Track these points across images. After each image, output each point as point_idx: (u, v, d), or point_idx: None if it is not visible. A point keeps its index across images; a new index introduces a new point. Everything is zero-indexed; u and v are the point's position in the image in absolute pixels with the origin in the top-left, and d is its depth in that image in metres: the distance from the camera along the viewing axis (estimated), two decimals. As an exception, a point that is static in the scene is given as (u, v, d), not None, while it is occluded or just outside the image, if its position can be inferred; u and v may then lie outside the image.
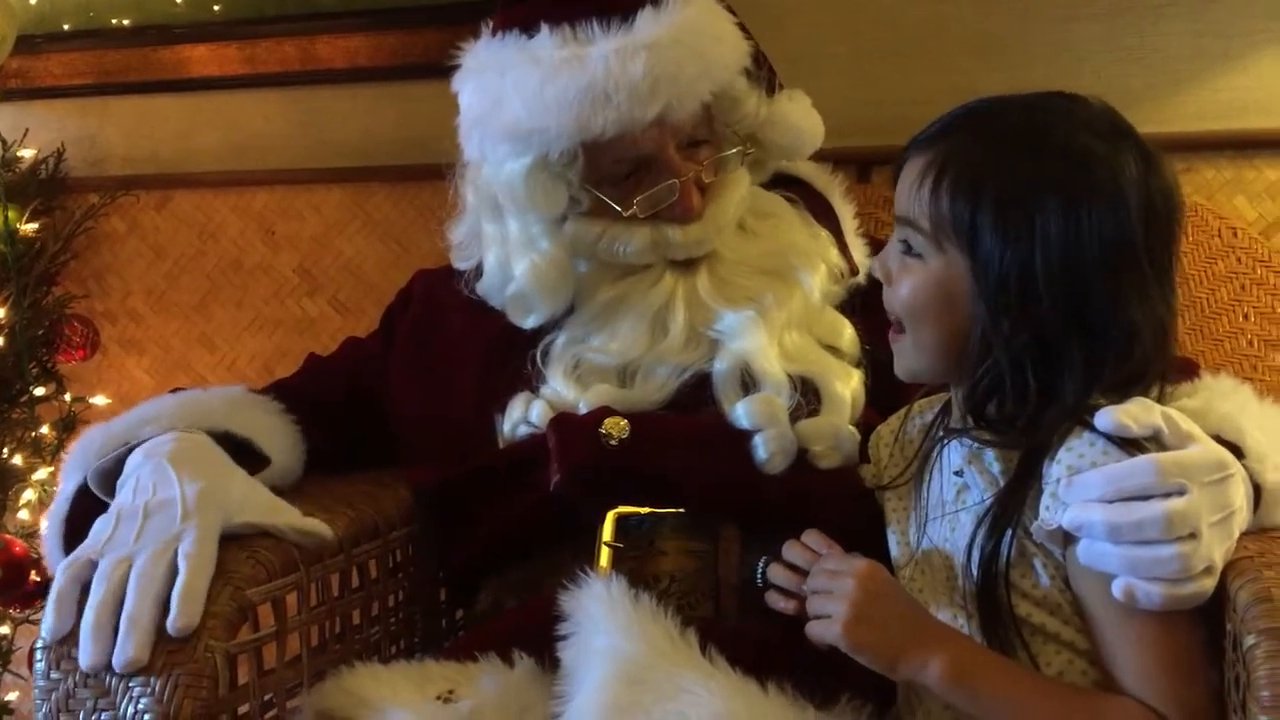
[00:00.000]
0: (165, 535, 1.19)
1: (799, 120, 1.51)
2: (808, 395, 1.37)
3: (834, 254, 1.48)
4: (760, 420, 1.34)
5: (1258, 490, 1.11)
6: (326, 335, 2.17)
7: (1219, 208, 1.74)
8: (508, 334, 1.47)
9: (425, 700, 1.22)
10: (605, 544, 1.32)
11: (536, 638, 1.21)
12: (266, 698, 1.28)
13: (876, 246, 1.51)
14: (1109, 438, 1.05)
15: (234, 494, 1.27)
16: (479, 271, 1.51)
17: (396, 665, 1.32)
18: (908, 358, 1.18)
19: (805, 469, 1.34)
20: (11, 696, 2.19)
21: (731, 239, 1.46)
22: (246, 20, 2.17)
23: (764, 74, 1.49)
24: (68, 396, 2.22)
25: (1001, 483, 1.12)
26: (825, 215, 1.54)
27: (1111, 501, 1.01)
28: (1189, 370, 1.30)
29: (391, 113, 2.12)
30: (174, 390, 1.53)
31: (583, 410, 1.38)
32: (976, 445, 1.15)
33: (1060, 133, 1.10)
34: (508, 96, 1.38)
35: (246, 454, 1.41)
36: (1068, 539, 1.06)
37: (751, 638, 1.24)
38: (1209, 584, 1.02)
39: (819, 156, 1.59)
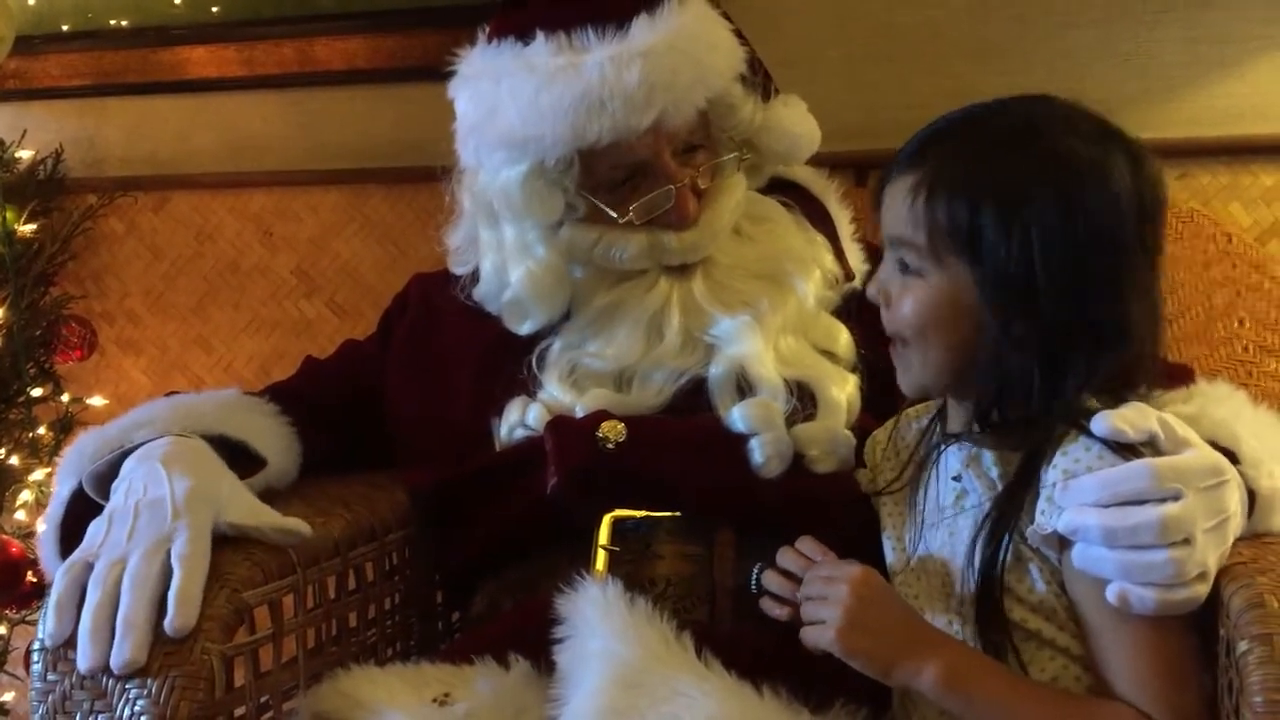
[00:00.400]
0: (157, 535, 1.19)
1: (794, 125, 1.52)
2: (803, 400, 1.37)
3: (829, 259, 1.49)
4: (756, 424, 1.34)
5: (1252, 496, 1.11)
6: (324, 337, 2.17)
7: (1215, 214, 1.74)
8: (504, 338, 1.47)
9: (421, 703, 1.22)
10: (601, 547, 1.33)
11: (532, 641, 1.21)
12: (263, 700, 1.28)
13: (872, 251, 1.52)
14: (1105, 442, 1.05)
15: (223, 492, 1.27)
16: (475, 277, 1.52)
17: (392, 668, 1.32)
18: (916, 374, 1.17)
19: (801, 473, 1.35)
20: (7, 697, 2.19)
21: (727, 244, 1.47)
22: (245, 22, 2.17)
23: (759, 80, 1.49)
24: (65, 397, 2.22)
25: (1000, 487, 1.13)
26: (822, 220, 1.54)
27: (1107, 506, 1.02)
28: (1184, 376, 1.31)
29: (389, 115, 2.13)
30: (169, 394, 1.53)
31: (579, 414, 1.38)
32: (975, 449, 1.15)
33: (1049, 132, 1.10)
34: (503, 104, 1.39)
35: (242, 456, 1.41)
36: (1063, 543, 1.07)
37: (747, 641, 1.25)
38: (1203, 589, 1.02)
39: (815, 161, 1.59)
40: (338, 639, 1.41)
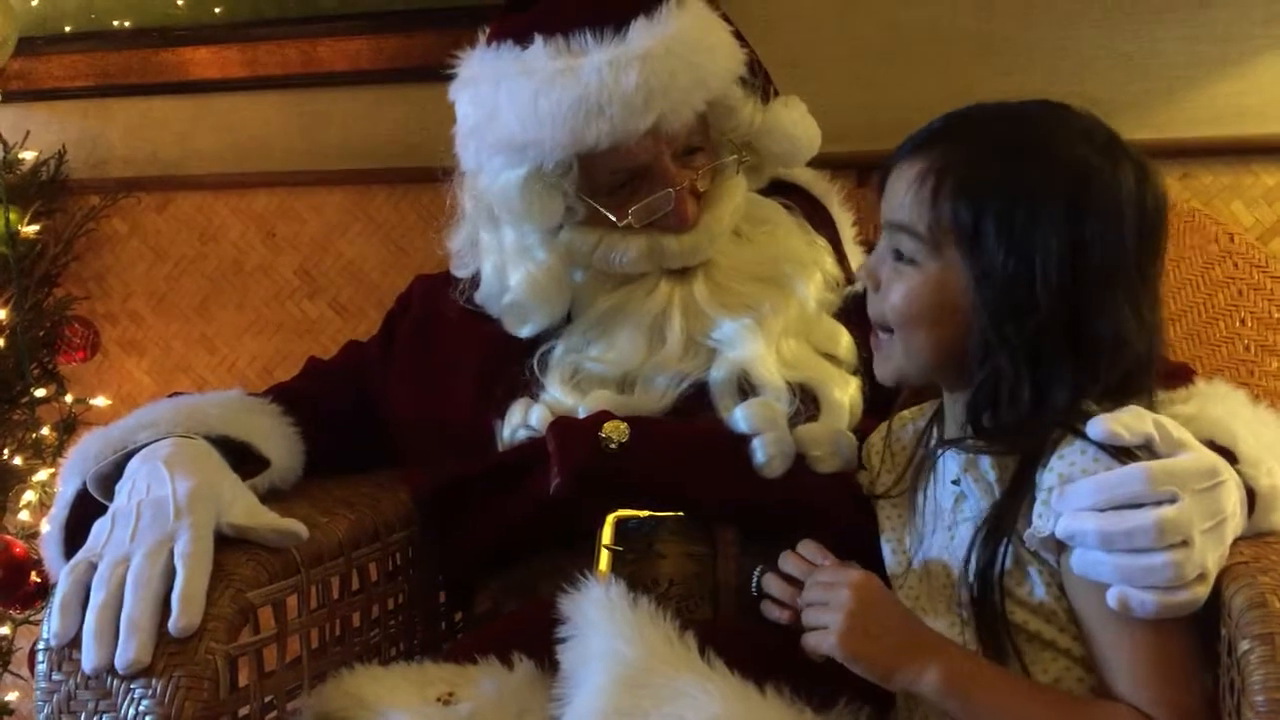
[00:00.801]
0: (160, 535, 1.20)
1: (794, 127, 1.51)
2: (806, 402, 1.37)
3: (829, 262, 1.49)
4: (759, 424, 1.34)
5: (1252, 495, 1.11)
6: (327, 337, 2.18)
7: (1216, 213, 1.74)
8: (505, 340, 1.48)
9: (425, 702, 1.22)
10: (604, 547, 1.33)
11: (536, 640, 1.21)
12: (267, 700, 1.28)
13: (874, 253, 1.52)
14: (1100, 446, 1.05)
15: (225, 493, 1.28)
16: (476, 280, 1.52)
17: (396, 667, 1.32)
18: (895, 361, 1.18)
19: (804, 473, 1.35)
20: (11, 697, 2.20)
21: (727, 246, 1.47)
22: (247, 23, 2.17)
23: (759, 82, 1.49)
24: (68, 398, 2.22)
25: (997, 490, 1.13)
26: (823, 223, 1.55)
27: (1103, 510, 1.02)
28: (1183, 375, 1.31)
29: (392, 115, 2.13)
30: (172, 394, 1.53)
31: (582, 414, 1.38)
32: (972, 454, 1.16)
33: (1061, 143, 1.10)
34: (502, 108, 1.39)
35: (246, 457, 1.41)
36: (1061, 547, 1.07)
37: (750, 641, 1.25)
38: (1202, 591, 1.02)
39: (816, 162, 1.59)
40: (341, 639, 1.41)
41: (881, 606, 1.13)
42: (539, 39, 1.38)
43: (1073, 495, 1.04)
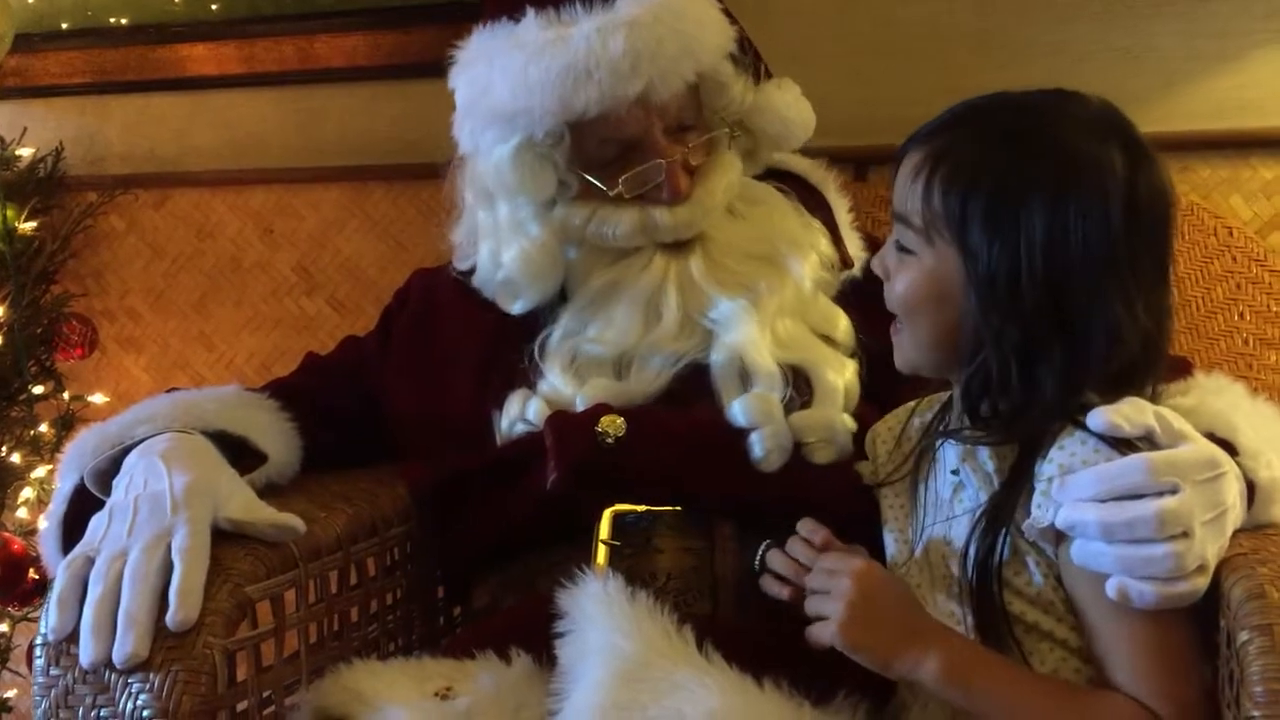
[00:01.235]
0: (157, 529, 1.20)
1: (787, 109, 1.52)
2: (800, 385, 1.37)
3: (825, 243, 1.49)
4: (757, 418, 1.34)
5: (1251, 487, 1.11)
6: (325, 334, 2.17)
7: (1215, 207, 1.74)
8: (504, 330, 1.48)
9: (423, 697, 1.22)
10: (602, 542, 1.33)
11: (534, 635, 1.21)
12: (265, 694, 1.28)
13: (872, 242, 1.52)
14: (1101, 437, 1.05)
15: (222, 487, 1.28)
16: (475, 270, 1.52)
17: (394, 662, 1.32)
18: (905, 351, 1.19)
19: (802, 465, 1.35)
20: (10, 694, 2.20)
21: (722, 223, 1.47)
22: (244, 19, 2.17)
23: (750, 60, 1.50)
24: (66, 395, 2.22)
25: (996, 481, 1.13)
26: (819, 206, 1.54)
27: (1104, 501, 1.02)
28: (1182, 368, 1.31)
29: (389, 111, 2.13)
30: (170, 390, 1.53)
31: (580, 406, 1.38)
32: (970, 444, 1.16)
33: (1050, 131, 1.10)
34: (494, 82, 1.40)
35: (243, 452, 1.41)
36: (1060, 537, 1.07)
37: (748, 635, 1.25)
38: (1202, 582, 1.02)
39: (814, 155, 1.59)
40: (339, 634, 1.41)
41: (883, 595, 1.12)
42: (530, 12, 1.40)
43: (1073, 486, 1.04)
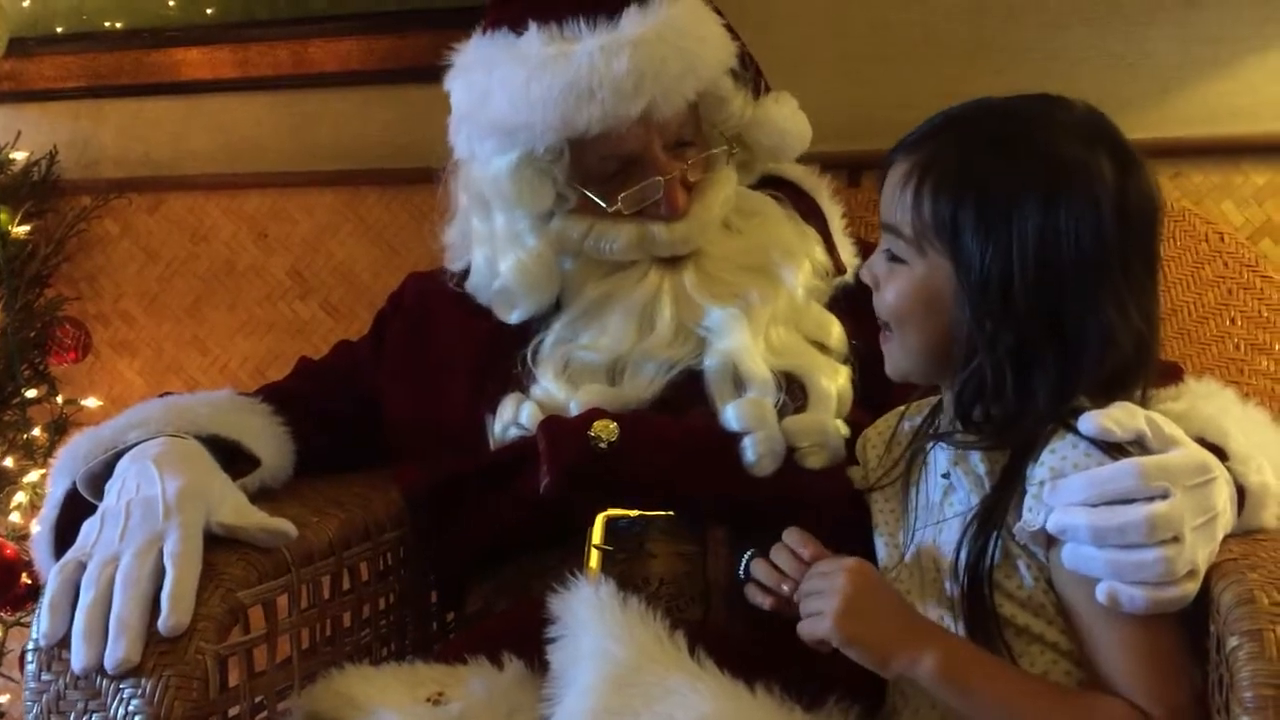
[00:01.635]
0: (149, 534, 1.19)
1: (785, 122, 1.52)
2: (793, 391, 1.37)
3: (819, 251, 1.49)
4: (750, 422, 1.34)
5: (1242, 492, 1.11)
6: (318, 338, 2.17)
7: (1206, 213, 1.74)
8: (498, 335, 1.48)
9: (415, 702, 1.22)
10: (595, 546, 1.33)
11: (526, 640, 1.21)
12: (257, 700, 1.28)
13: (865, 247, 1.52)
14: (1092, 441, 1.06)
15: (215, 492, 1.28)
16: (469, 272, 1.52)
17: (387, 667, 1.32)
18: (896, 359, 1.19)
19: (794, 470, 1.35)
20: (2, 699, 2.19)
21: (717, 238, 1.47)
22: (239, 23, 2.17)
23: (750, 75, 1.50)
24: (59, 399, 2.22)
25: (987, 484, 1.13)
26: (813, 213, 1.55)
27: (1095, 505, 1.02)
28: (1173, 374, 1.31)
29: (383, 116, 2.13)
30: (163, 395, 1.53)
31: (573, 411, 1.38)
32: (961, 449, 1.16)
33: (1038, 136, 1.10)
34: (494, 92, 1.40)
35: (236, 457, 1.41)
36: (1051, 541, 1.07)
37: (741, 640, 1.25)
38: (1192, 587, 1.02)
39: (807, 160, 1.60)
40: (332, 639, 1.41)
41: (877, 592, 1.12)
42: (533, 26, 1.39)
43: (1064, 490, 1.04)
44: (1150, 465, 1.02)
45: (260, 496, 1.38)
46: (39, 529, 1.40)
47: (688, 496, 1.34)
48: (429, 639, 1.59)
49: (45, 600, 1.18)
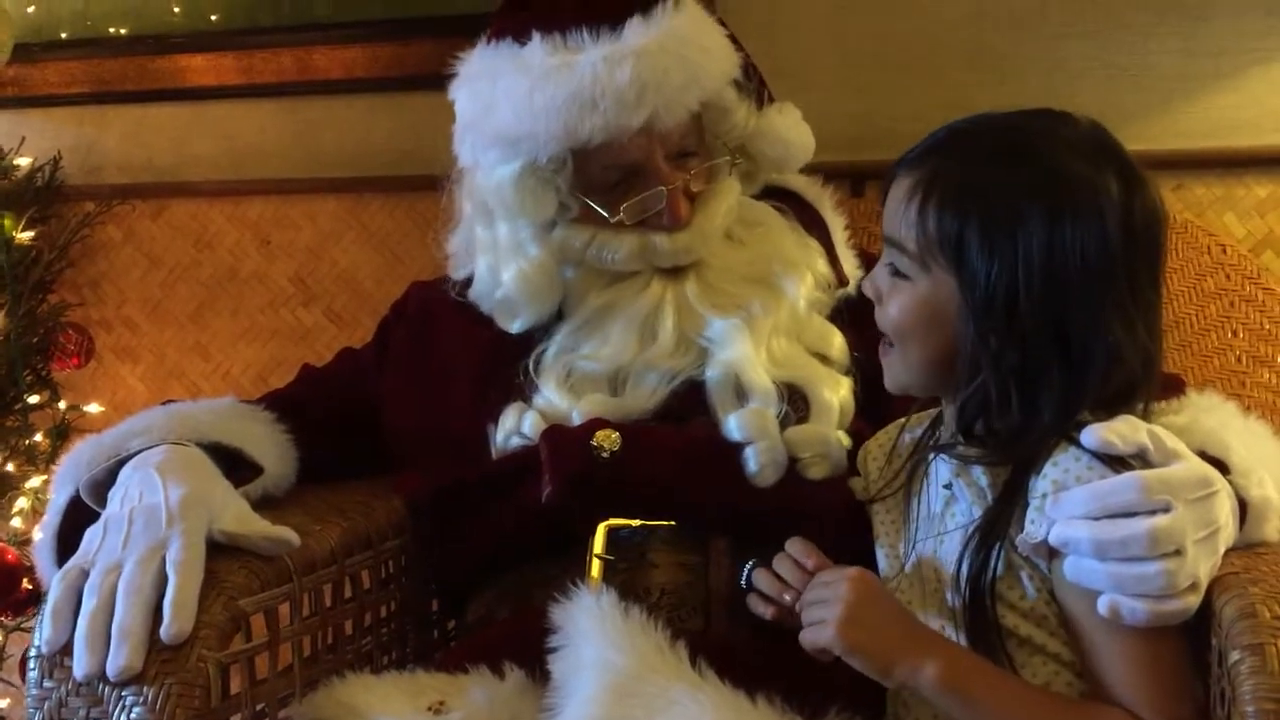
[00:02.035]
0: (151, 542, 1.20)
1: (788, 133, 1.53)
2: (795, 402, 1.38)
3: (821, 263, 1.49)
4: (752, 433, 1.34)
5: (1244, 506, 1.11)
6: (321, 345, 2.18)
7: (1209, 225, 1.75)
8: (501, 344, 1.48)
9: (416, 711, 1.22)
10: (596, 556, 1.33)
11: (527, 649, 1.21)
12: (259, 707, 1.28)
13: (867, 258, 1.53)
14: (1095, 454, 1.06)
15: (217, 499, 1.28)
16: (472, 280, 1.52)
17: (388, 675, 1.32)
18: (896, 372, 1.19)
19: (796, 481, 1.35)
20: (3, 704, 2.19)
21: (719, 248, 1.47)
22: (243, 30, 2.18)
23: (754, 86, 1.50)
24: (62, 404, 2.22)
25: (989, 496, 1.13)
26: (816, 227, 1.55)
27: (1097, 518, 1.02)
28: (1175, 387, 1.31)
29: (387, 123, 2.13)
30: (166, 402, 1.53)
31: (575, 420, 1.38)
32: (964, 462, 1.16)
33: (1043, 151, 1.10)
34: (498, 102, 1.40)
35: (238, 464, 1.41)
36: (1053, 553, 1.07)
37: (742, 650, 1.25)
38: (1194, 600, 1.02)
39: (810, 170, 1.60)
40: (333, 647, 1.41)
41: (880, 601, 1.12)
42: (537, 36, 1.40)
43: (1067, 503, 1.05)
44: (1152, 479, 1.03)
45: (262, 504, 1.38)
46: (41, 536, 1.40)
47: (690, 506, 1.34)
48: (430, 647, 1.59)
49: (47, 607, 1.18)
